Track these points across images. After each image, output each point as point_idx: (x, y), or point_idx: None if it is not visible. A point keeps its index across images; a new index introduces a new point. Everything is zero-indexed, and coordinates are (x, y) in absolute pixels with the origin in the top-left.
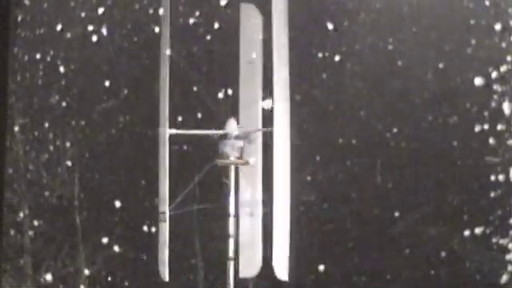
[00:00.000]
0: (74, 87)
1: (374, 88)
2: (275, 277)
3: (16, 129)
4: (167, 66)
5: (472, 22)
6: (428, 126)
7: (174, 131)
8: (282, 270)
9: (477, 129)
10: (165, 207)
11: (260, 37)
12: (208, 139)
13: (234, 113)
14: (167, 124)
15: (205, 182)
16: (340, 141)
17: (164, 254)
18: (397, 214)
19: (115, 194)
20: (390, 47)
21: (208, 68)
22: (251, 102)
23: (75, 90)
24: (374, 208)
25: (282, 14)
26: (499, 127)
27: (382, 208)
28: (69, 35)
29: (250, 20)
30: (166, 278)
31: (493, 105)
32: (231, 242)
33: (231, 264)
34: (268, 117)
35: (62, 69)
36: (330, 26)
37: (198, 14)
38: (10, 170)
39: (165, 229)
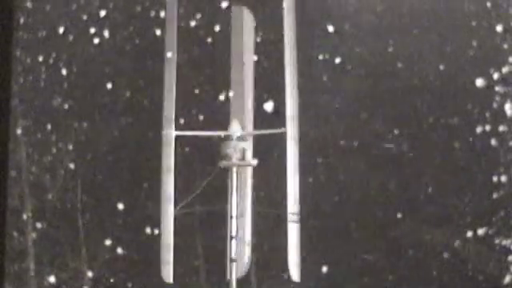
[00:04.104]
0: (76, 89)
1: (374, 90)
2: None
3: (19, 131)
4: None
5: (473, 23)
6: (429, 128)
7: (179, 133)
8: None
9: (478, 130)
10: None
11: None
12: (211, 141)
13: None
14: (173, 126)
15: (207, 183)
16: (341, 142)
17: (167, 256)
18: (399, 216)
19: (118, 196)
20: (391, 49)
21: (209, 70)
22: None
23: (77, 92)
24: (377, 209)
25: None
26: (501, 128)
27: (385, 209)
28: (71, 37)
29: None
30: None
31: (494, 106)
32: (233, 243)
33: (233, 265)
34: (269, 118)
35: (64, 71)
36: (331, 29)
37: (199, 16)
38: (13, 173)
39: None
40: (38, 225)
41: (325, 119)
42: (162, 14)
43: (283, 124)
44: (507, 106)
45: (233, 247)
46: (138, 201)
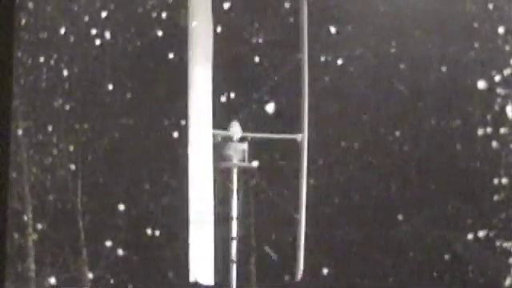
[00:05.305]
0: (77, 90)
1: (376, 91)
2: None
3: (20, 132)
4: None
5: (475, 25)
6: (431, 130)
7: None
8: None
9: (480, 132)
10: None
11: None
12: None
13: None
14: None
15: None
16: (342, 144)
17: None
18: (400, 218)
19: (119, 197)
20: (393, 50)
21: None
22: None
23: (78, 93)
24: (378, 211)
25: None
26: (502, 130)
27: (386, 211)
28: (72, 39)
29: None
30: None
31: (496, 108)
32: (234, 244)
33: (234, 265)
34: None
35: (65, 72)
36: (333, 30)
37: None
38: (14, 174)
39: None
40: (39, 226)
41: (325, 121)
42: (164, 15)
43: (283, 126)
44: (508, 108)
45: (233, 248)
46: (139, 202)
